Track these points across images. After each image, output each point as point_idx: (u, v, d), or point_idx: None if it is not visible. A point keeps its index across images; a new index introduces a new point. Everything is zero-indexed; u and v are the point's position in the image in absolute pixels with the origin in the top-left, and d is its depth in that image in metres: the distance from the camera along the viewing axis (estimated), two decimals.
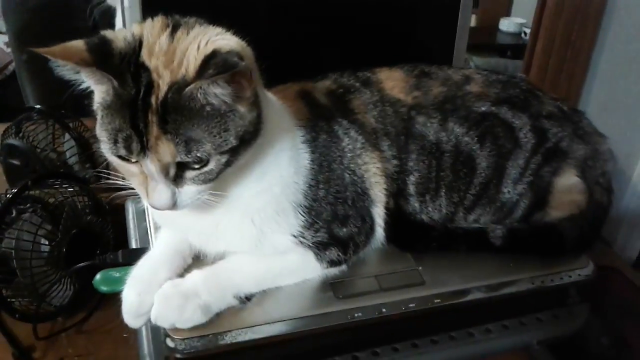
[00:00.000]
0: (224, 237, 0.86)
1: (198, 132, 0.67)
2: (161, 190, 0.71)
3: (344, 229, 0.91)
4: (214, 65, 0.65)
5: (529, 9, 2.02)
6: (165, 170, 0.69)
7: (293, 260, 0.89)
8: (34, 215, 1.12)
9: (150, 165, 0.68)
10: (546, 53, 1.54)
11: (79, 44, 0.67)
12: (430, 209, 0.99)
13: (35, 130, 1.40)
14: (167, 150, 0.67)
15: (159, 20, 0.72)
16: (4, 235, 1.10)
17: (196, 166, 0.71)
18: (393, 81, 1.02)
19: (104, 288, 0.90)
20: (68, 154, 1.43)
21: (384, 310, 0.89)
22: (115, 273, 0.91)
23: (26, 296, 1.09)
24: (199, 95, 0.66)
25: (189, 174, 0.72)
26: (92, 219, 1.18)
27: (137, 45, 0.69)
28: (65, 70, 0.67)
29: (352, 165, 0.93)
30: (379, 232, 0.97)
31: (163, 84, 0.66)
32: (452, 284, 0.94)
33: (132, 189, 0.76)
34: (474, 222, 1.01)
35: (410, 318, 0.91)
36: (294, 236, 0.87)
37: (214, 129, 0.69)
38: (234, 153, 0.72)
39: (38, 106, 1.43)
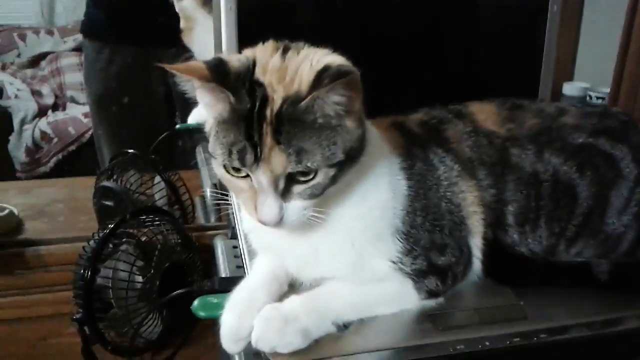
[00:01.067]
0: (323, 261, 0.86)
1: (309, 144, 0.70)
2: (270, 204, 0.72)
3: (442, 258, 0.89)
4: (329, 75, 0.69)
5: (592, 72, 1.99)
6: (275, 183, 0.72)
7: (391, 288, 0.88)
8: (129, 249, 1.15)
9: (262, 176, 0.71)
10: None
11: (199, 64, 0.72)
12: (530, 240, 0.95)
13: (127, 174, 1.47)
14: (279, 161, 0.70)
15: (270, 44, 0.77)
16: (101, 267, 1.14)
17: (304, 179, 0.73)
18: (485, 114, 1.02)
19: (202, 313, 0.91)
20: (157, 196, 1.48)
21: (487, 343, 0.85)
22: (213, 299, 0.92)
23: (120, 328, 1.11)
24: (315, 106, 0.70)
25: (297, 188, 0.74)
26: (182, 254, 1.21)
27: (251, 64, 0.74)
28: (187, 85, 0.71)
29: (448, 193, 0.92)
30: (476, 264, 0.95)
31: (277, 97, 0.70)
32: (556, 319, 0.90)
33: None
34: (576, 256, 0.97)
35: (514, 352, 0.86)
36: (393, 262, 0.86)
37: (324, 142, 0.71)
38: (340, 168, 0.74)
39: (131, 150, 1.50)
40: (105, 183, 1.43)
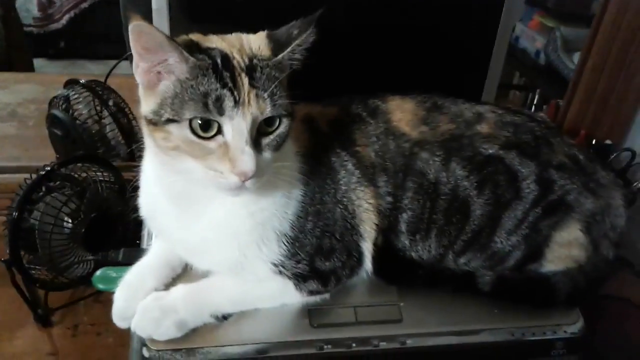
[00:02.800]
0: (209, 254, 0.91)
1: (276, 90, 0.77)
2: (249, 153, 0.75)
3: (327, 263, 0.93)
4: (297, 26, 0.80)
5: None
6: (252, 130, 0.76)
7: (273, 287, 0.93)
8: (59, 194, 1.20)
9: (242, 122, 0.75)
10: (596, 71, 1.44)
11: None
12: (419, 248, 0.99)
13: (79, 103, 1.49)
14: (257, 104, 0.76)
15: (198, 34, 0.83)
16: (33, 209, 1.20)
17: (270, 130, 0.79)
18: (402, 112, 1.01)
19: (100, 286, 0.98)
20: (108, 129, 1.51)
21: (353, 345, 0.92)
22: (112, 273, 0.98)
23: (46, 268, 1.20)
24: (285, 57, 0.79)
25: (265, 139, 0.79)
26: (117, 204, 1.25)
27: (190, 40, 0.80)
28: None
29: (344, 199, 0.94)
30: (366, 263, 0.99)
31: (238, 55, 0.77)
32: (429, 325, 0.95)
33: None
34: (464, 265, 1.00)
35: (378, 356, 0.93)
36: (275, 265, 0.90)
37: (284, 92, 0.79)
38: (291, 125, 0.81)
39: (82, 80, 1.50)
40: (54, 111, 1.44)
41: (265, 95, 0.76)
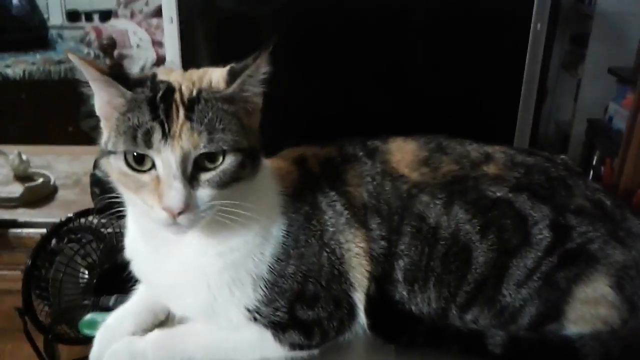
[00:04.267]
0: (181, 297, 0.87)
1: (220, 124, 0.74)
2: (177, 187, 0.71)
3: (310, 312, 0.86)
4: (252, 57, 0.75)
5: None
6: (183, 164, 0.72)
7: (248, 336, 0.86)
8: (75, 245, 1.22)
9: (170, 155, 0.71)
10: None
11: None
12: (419, 300, 0.89)
13: None
14: (190, 136, 0.72)
15: (168, 67, 0.81)
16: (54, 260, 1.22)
17: (212, 166, 0.74)
18: (402, 154, 0.94)
19: (86, 331, 0.96)
20: None
21: None
22: (98, 318, 0.96)
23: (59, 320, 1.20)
24: (238, 90, 0.76)
25: (205, 175, 0.74)
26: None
27: (151, 75, 0.79)
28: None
29: (332, 242, 0.88)
30: (361, 318, 0.90)
31: (186, 88, 0.75)
32: None
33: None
34: (471, 323, 0.89)
35: None
36: (249, 310, 0.84)
37: (234, 126, 0.75)
38: (242, 163, 0.76)
39: None
40: (96, 171, 1.51)
41: (202, 128, 0.72)
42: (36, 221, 1.58)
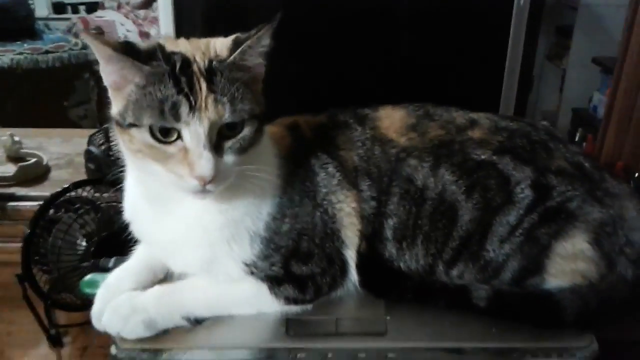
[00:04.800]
0: (181, 254, 0.90)
1: (238, 94, 0.77)
2: (207, 156, 0.75)
3: (304, 267, 0.90)
4: (256, 29, 0.78)
5: None
6: (210, 135, 0.75)
7: (246, 290, 0.90)
8: (73, 214, 1.25)
9: (199, 127, 0.74)
10: (629, 99, 1.36)
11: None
12: (407, 257, 0.93)
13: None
14: (215, 109, 0.75)
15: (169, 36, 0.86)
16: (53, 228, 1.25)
17: (232, 134, 0.78)
18: (391, 120, 0.99)
19: (87, 290, 0.99)
20: None
21: (329, 355, 0.86)
22: (99, 278, 0.99)
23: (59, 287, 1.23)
24: (242, 60, 0.78)
25: (227, 143, 0.78)
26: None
27: (157, 45, 0.79)
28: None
29: (324, 202, 0.92)
30: (353, 274, 0.94)
31: (200, 59, 0.77)
32: (415, 339, 0.88)
33: None
34: (457, 279, 0.93)
35: None
36: (246, 264, 0.88)
37: (248, 94, 0.78)
38: (258, 128, 0.81)
39: None
40: (90, 147, 1.54)
41: (225, 99, 0.76)
42: (33, 194, 1.60)
